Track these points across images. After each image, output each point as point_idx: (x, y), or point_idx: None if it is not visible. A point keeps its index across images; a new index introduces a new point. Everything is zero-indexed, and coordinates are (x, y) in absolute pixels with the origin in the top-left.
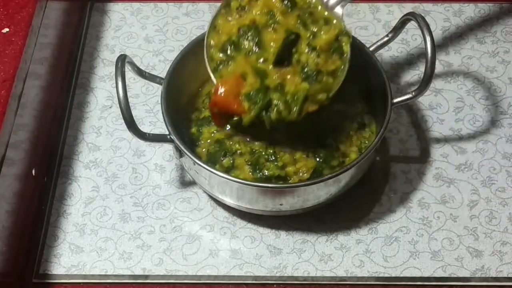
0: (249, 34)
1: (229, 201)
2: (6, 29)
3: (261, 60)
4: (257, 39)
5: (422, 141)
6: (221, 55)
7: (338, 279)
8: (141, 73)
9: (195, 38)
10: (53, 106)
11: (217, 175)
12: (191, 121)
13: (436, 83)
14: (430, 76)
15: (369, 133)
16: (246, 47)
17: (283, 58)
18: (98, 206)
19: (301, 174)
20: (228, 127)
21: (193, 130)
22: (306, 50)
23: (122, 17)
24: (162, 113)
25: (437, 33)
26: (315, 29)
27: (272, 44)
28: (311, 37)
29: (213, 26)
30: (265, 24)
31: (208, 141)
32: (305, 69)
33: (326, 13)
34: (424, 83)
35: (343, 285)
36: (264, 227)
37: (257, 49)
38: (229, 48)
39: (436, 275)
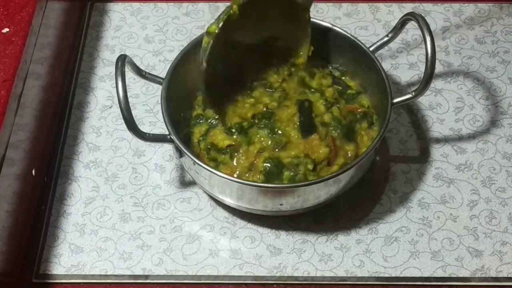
0: (263, 121)
1: (229, 201)
2: (6, 29)
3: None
4: (270, 125)
5: (422, 141)
6: (232, 136)
7: (338, 279)
8: (141, 73)
9: (195, 38)
10: (53, 106)
11: (217, 175)
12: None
13: (436, 83)
14: (430, 76)
15: (376, 132)
16: (260, 136)
17: (308, 124)
18: (98, 206)
19: None
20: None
21: (188, 130)
22: (323, 109)
23: (122, 17)
24: (162, 113)
25: (437, 33)
26: (318, 84)
27: (289, 130)
28: (321, 95)
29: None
30: (279, 106)
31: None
32: (338, 128)
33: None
34: (424, 83)
35: (343, 285)
36: (264, 227)
37: (270, 134)
38: (239, 130)
39: (436, 275)
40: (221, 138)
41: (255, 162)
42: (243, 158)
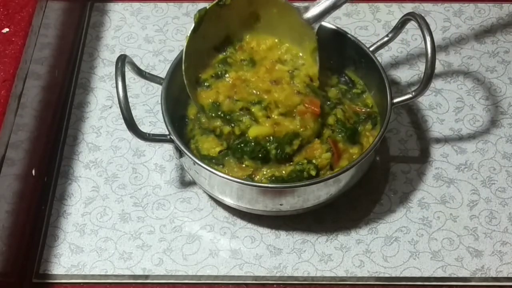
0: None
1: (229, 201)
2: (6, 29)
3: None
4: None
5: (422, 141)
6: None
7: (338, 279)
8: (141, 73)
9: None
10: (53, 106)
11: (217, 175)
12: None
13: (436, 83)
14: (430, 76)
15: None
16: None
17: None
18: (98, 206)
19: None
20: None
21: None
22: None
23: (122, 17)
24: (162, 113)
25: (437, 33)
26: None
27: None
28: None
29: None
30: None
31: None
32: (343, 131)
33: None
34: (424, 83)
35: (343, 285)
36: (264, 227)
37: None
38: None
39: (436, 275)
40: (209, 147)
41: (252, 175)
42: (237, 168)
